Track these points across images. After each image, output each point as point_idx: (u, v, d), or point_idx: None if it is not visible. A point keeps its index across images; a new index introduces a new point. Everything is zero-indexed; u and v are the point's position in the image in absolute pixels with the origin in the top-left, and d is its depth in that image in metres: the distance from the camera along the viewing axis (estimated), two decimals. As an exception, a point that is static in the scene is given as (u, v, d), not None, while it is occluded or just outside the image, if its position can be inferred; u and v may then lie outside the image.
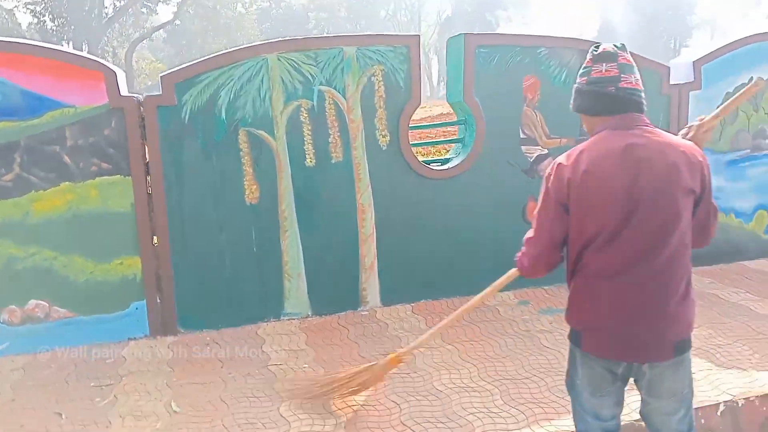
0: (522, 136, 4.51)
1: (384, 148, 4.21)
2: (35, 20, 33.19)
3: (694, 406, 2.10)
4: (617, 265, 1.81)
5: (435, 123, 5.83)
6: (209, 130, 3.89)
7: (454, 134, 6.35)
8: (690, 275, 1.87)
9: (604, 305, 1.86)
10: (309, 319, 4.21)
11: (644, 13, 41.77)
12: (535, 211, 1.96)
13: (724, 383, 3.12)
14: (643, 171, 1.77)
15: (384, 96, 4.15)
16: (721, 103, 2.29)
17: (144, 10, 41.51)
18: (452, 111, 4.74)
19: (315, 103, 4.04)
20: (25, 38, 26.64)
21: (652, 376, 1.89)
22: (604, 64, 1.87)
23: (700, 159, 1.83)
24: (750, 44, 4.90)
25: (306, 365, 3.51)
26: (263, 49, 3.93)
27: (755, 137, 5.09)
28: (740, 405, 2.96)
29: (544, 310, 4.22)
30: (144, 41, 39.40)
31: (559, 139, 4.58)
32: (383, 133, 4.19)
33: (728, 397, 2.98)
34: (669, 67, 4.77)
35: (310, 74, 4.01)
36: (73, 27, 32.02)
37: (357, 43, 4.06)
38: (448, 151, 5.29)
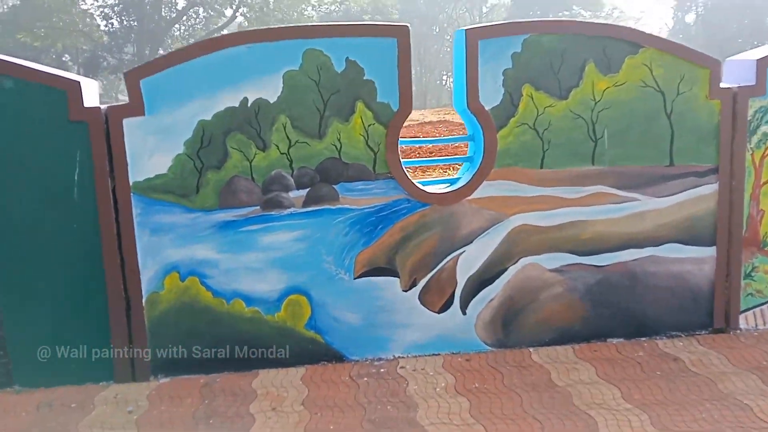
0: None
1: None
2: (104, 23, 34.71)
3: None
4: None
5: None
6: None
7: None
8: None
9: None
10: None
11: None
12: None
13: None
14: None
15: None
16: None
17: (211, 12, 42.48)
18: None
19: None
20: (98, 41, 27.73)
21: None
22: None
23: None
24: (222, 49, 3.16)
25: None
26: None
27: (266, 188, 3.33)
28: None
29: None
30: (210, 42, 40.11)
31: None
32: None
33: None
34: (80, 83, 3.15)
35: None
36: (135, 27, 32.79)
37: None
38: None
